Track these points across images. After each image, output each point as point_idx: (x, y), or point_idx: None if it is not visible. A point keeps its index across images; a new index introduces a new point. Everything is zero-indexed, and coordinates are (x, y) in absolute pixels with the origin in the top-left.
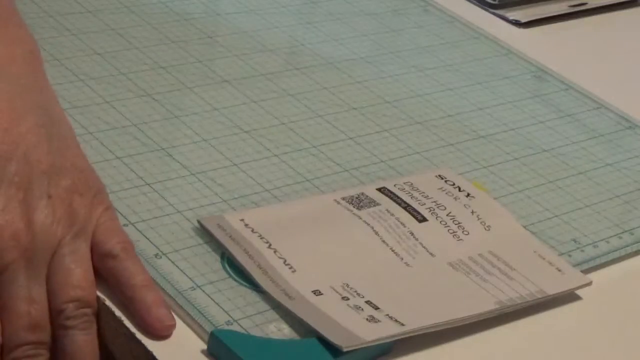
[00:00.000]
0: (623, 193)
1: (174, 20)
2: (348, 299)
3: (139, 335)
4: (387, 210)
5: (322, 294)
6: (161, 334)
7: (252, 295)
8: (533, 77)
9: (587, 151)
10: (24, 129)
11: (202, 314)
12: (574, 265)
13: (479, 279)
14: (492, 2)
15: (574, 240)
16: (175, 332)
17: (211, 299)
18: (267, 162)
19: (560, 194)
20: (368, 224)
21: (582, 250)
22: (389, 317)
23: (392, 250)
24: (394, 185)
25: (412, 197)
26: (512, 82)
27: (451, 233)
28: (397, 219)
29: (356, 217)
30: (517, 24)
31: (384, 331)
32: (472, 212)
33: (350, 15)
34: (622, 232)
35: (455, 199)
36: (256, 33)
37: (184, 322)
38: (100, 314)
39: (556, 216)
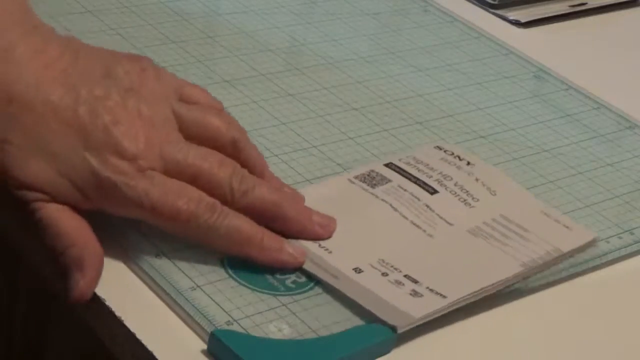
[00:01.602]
0: (623, 193)
1: (174, 20)
2: (387, 274)
3: (139, 335)
4: (399, 186)
5: (362, 271)
6: None
7: (252, 295)
8: (533, 77)
9: (587, 151)
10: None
11: (202, 314)
12: (574, 265)
13: (499, 243)
14: (492, 2)
15: None
16: (175, 332)
17: (211, 299)
18: (267, 162)
19: (560, 194)
20: (385, 201)
21: (583, 250)
22: (430, 290)
23: (414, 224)
24: (400, 160)
25: (418, 170)
26: (512, 82)
27: (462, 202)
28: (411, 193)
29: (373, 196)
30: (517, 24)
31: (430, 306)
32: (477, 180)
33: (350, 15)
34: (622, 232)
35: (458, 168)
36: (256, 33)
37: (184, 322)
38: (100, 314)
39: None
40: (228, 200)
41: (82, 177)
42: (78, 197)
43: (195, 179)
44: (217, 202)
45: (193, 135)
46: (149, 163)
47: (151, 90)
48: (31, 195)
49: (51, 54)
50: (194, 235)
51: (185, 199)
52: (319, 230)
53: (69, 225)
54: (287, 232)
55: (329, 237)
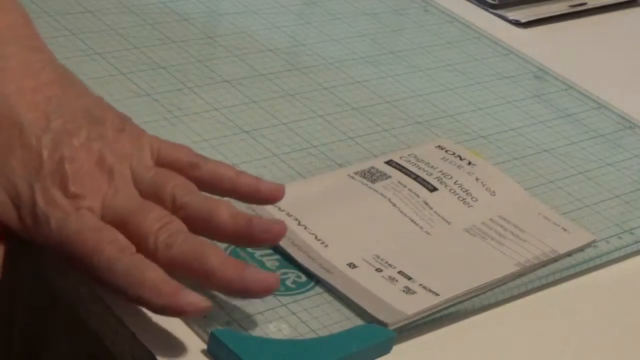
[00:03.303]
0: (623, 193)
1: (174, 20)
2: (381, 270)
3: (139, 335)
4: (399, 182)
5: (356, 267)
6: (277, 199)
7: None
8: (533, 77)
9: (587, 151)
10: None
11: None
12: (574, 266)
13: (495, 242)
14: (492, 2)
15: None
16: (175, 332)
17: (211, 299)
18: (267, 162)
19: (560, 194)
20: (385, 197)
21: (582, 250)
22: (423, 287)
23: (412, 221)
24: (400, 158)
25: (419, 168)
26: (512, 82)
27: (461, 200)
28: (410, 190)
29: (372, 191)
30: (517, 24)
31: (422, 303)
32: (477, 179)
33: (350, 15)
34: (622, 232)
35: (459, 167)
36: (256, 33)
37: (184, 322)
38: (100, 314)
39: None
40: (151, 252)
41: (24, 203)
42: (16, 221)
43: (124, 227)
44: (132, 247)
45: (150, 195)
46: (88, 204)
47: (120, 148)
48: None
49: (42, 79)
50: (97, 273)
51: (98, 236)
52: (251, 286)
53: None
54: (217, 290)
55: (267, 292)
